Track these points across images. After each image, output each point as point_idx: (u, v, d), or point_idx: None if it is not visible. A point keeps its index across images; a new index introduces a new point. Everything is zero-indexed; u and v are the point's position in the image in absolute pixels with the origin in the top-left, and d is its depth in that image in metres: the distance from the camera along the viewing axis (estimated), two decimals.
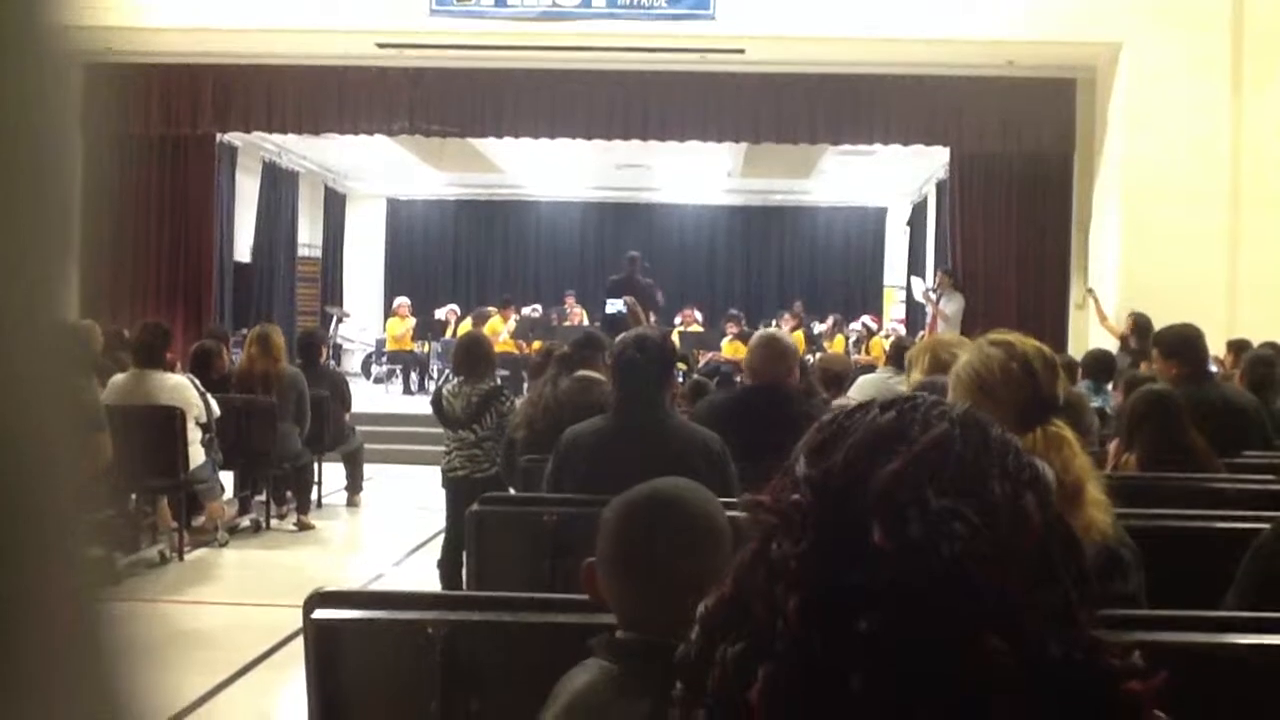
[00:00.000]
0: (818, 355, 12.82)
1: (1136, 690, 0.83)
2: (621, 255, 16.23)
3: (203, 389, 7.66)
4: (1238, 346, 8.18)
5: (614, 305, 14.23)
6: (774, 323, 18.14)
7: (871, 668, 0.78)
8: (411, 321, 17.35)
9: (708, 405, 5.47)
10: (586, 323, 16.18)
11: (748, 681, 0.82)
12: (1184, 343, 6.04)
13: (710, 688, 0.86)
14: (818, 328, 17.12)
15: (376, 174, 20.50)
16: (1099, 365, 7.90)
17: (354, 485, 9.92)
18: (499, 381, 7.03)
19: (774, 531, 0.85)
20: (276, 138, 15.90)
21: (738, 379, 14.03)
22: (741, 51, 12.12)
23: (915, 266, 18.41)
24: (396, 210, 22.59)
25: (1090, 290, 11.99)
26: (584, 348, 5.66)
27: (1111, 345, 10.16)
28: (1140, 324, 9.54)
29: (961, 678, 0.78)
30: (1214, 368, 7.05)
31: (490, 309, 16.79)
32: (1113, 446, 4.72)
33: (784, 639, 0.81)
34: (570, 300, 17.84)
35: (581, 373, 5.43)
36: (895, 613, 0.79)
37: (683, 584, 1.69)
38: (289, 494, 9.06)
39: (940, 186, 16.03)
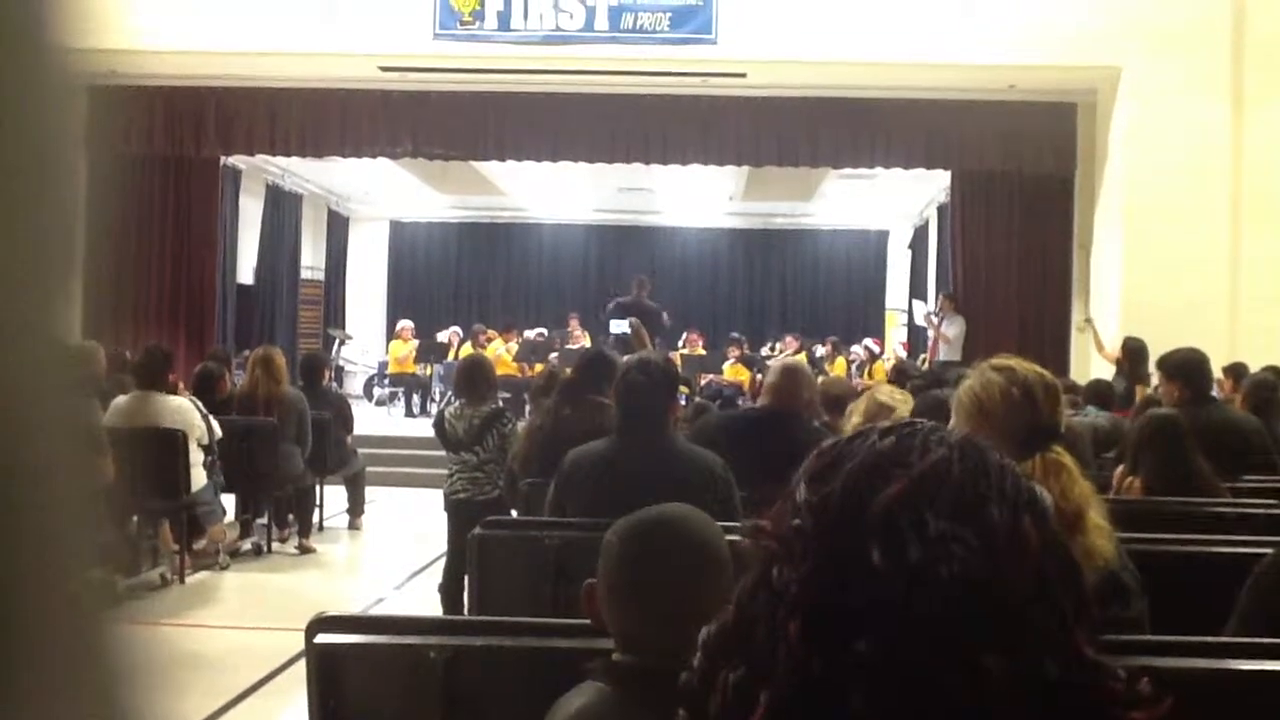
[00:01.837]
0: (820, 379, 12.79)
1: (1138, 719, 0.83)
2: (624, 278, 16.23)
3: (205, 410, 7.66)
4: (1235, 371, 8.17)
5: (618, 326, 14.24)
6: (775, 345, 18.23)
7: (871, 689, 0.79)
8: (414, 344, 17.36)
9: (715, 422, 5.47)
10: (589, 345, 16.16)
11: (750, 707, 0.82)
12: (1188, 366, 6.05)
13: (712, 713, 0.86)
14: (820, 351, 17.12)
15: (379, 196, 20.54)
16: (1100, 395, 7.87)
17: (355, 508, 9.90)
18: (501, 404, 7.03)
19: (775, 556, 0.86)
20: (280, 160, 15.95)
21: (740, 401, 14.05)
22: (743, 75, 12.15)
23: (917, 289, 18.43)
24: (399, 233, 22.62)
25: (1089, 320, 12.00)
26: (590, 369, 5.54)
27: (1111, 373, 10.15)
28: (1132, 349, 9.49)
29: (960, 698, 0.79)
30: (1215, 392, 7.03)
31: (489, 331, 16.81)
32: (1118, 471, 4.71)
33: (785, 663, 0.81)
34: (574, 323, 17.84)
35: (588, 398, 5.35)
36: (894, 634, 0.79)
37: (682, 608, 1.70)
38: (290, 517, 9.04)
39: (941, 209, 16.06)
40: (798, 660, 0.81)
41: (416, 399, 17.03)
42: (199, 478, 7.47)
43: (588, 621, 1.87)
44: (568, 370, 6.35)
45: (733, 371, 16.37)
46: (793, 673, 0.81)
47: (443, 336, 17.96)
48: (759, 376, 16.00)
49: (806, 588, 0.83)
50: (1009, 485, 0.86)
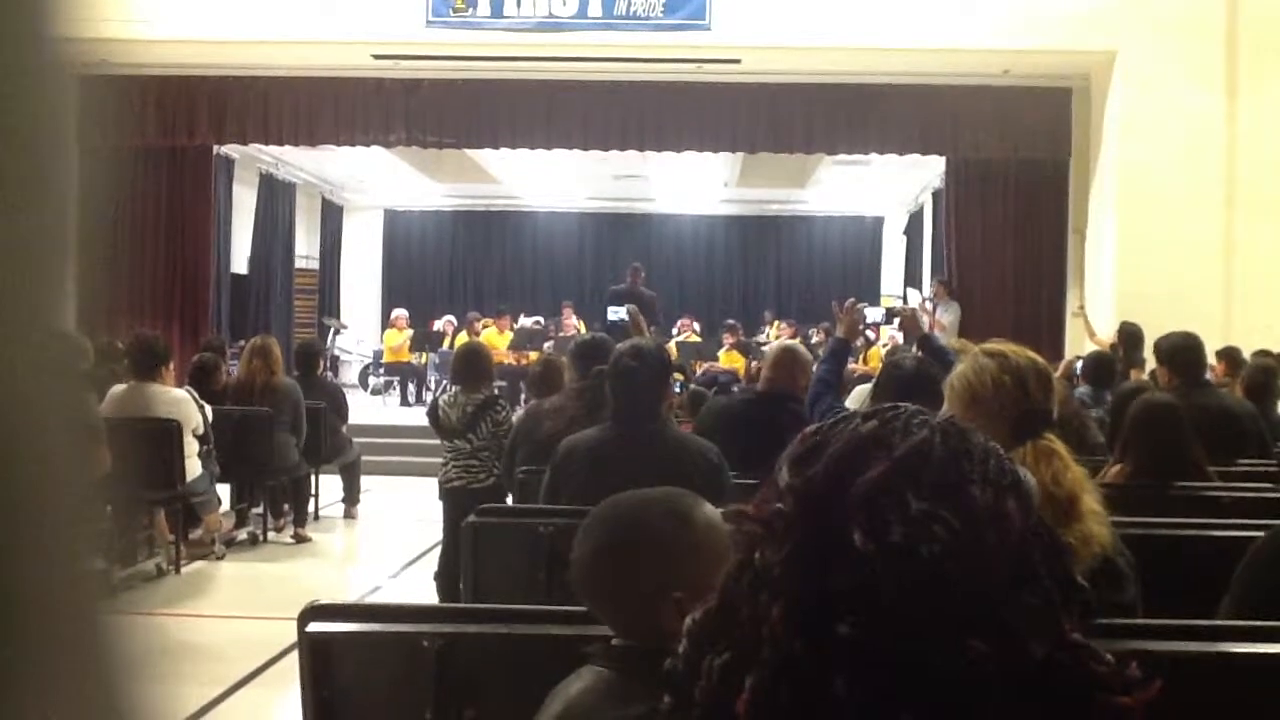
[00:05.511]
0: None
1: (1127, 704, 0.83)
2: (619, 266, 16.23)
3: (201, 401, 7.66)
4: (1230, 355, 8.18)
5: (616, 313, 14.24)
6: (767, 330, 18.23)
7: (855, 672, 0.79)
8: (409, 333, 17.34)
9: (716, 410, 5.47)
10: (584, 333, 16.13)
11: (734, 691, 0.83)
12: (1181, 350, 6.05)
13: (698, 699, 0.86)
14: (814, 337, 17.14)
15: (373, 185, 20.51)
16: (1099, 369, 7.65)
17: (351, 497, 9.90)
18: (496, 392, 7.03)
19: (758, 540, 0.86)
20: (273, 149, 15.90)
21: (735, 388, 14.04)
22: (737, 62, 12.13)
23: (912, 276, 18.44)
24: (394, 221, 22.59)
25: (1081, 308, 12.01)
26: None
27: None
28: (1127, 333, 9.48)
29: (944, 680, 0.79)
30: (1208, 376, 7.03)
31: (484, 318, 16.79)
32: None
33: (769, 646, 0.82)
34: (567, 311, 17.84)
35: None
36: (876, 616, 0.79)
37: (612, 597, 1.72)
38: (286, 506, 9.04)
39: (936, 195, 16.06)
40: (781, 643, 0.81)
41: (411, 388, 17.02)
42: (194, 468, 7.47)
43: (582, 608, 1.87)
44: (563, 358, 6.32)
45: (727, 358, 16.35)
46: (776, 656, 0.81)
47: (438, 325, 17.94)
48: (754, 363, 16.01)
49: (789, 570, 0.83)
50: (992, 467, 0.86)
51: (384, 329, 18.58)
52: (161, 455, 7.13)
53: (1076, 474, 2.44)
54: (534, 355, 13.58)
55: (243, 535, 8.65)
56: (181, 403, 7.41)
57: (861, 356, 16.20)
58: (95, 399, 6.64)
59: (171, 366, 7.76)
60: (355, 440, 10.12)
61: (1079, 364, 8.62)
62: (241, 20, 11.68)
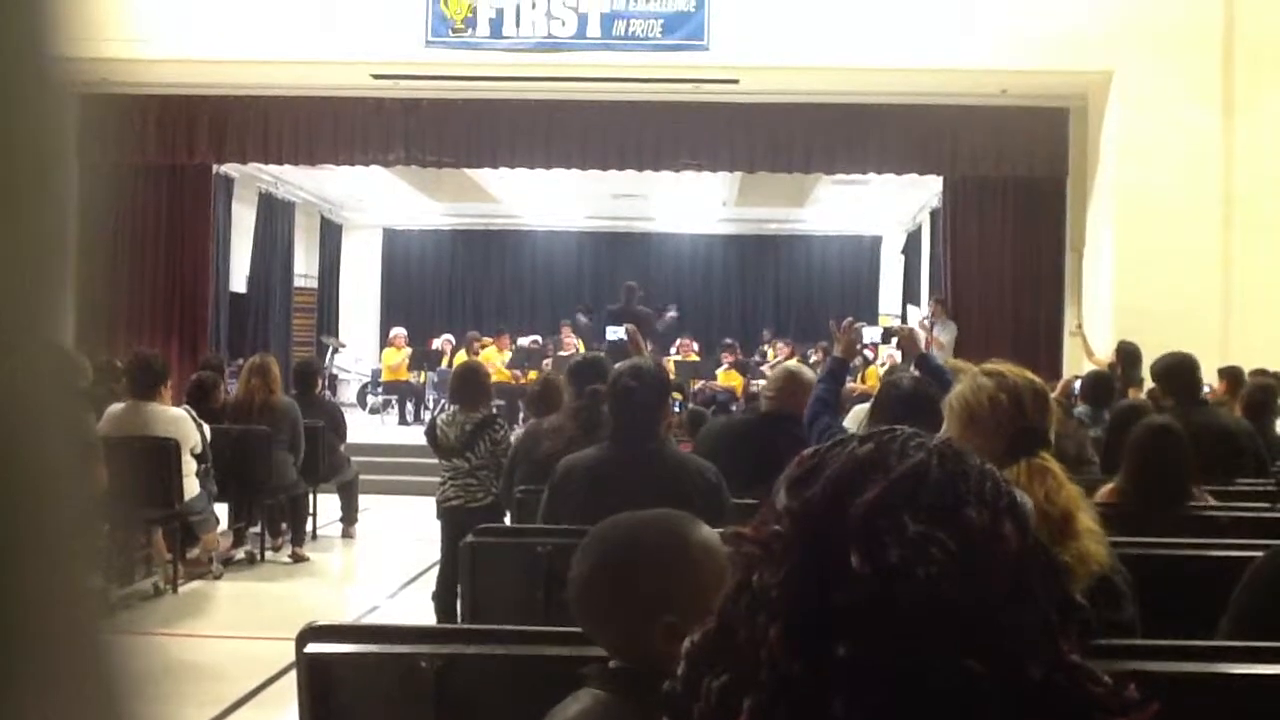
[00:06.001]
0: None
1: None
2: (618, 285, 16.24)
3: (199, 419, 7.65)
4: (1230, 374, 8.19)
5: (615, 333, 14.26)
6: (765, 349, 18.25)
7: (853, 693, 0.79)
8: (407, 351, 17.33)
9: (716, 430, 5.47)
10: (582, 353, 16.13)
11: (733, 713, 0.83)
12: (1176, 370, 6.06)
13: None
14: (813, 357, 17.15)
15: (372, 204, 20.53)
16: (1097, 388, 7.64)
17: (349, 516, 9.87)
18: (494, 411, 7.03)
19: (756, 562, 0.87)
20: (273, 168, 15.93)
21: (733, 407, 14.05)
22: (736, 82, 12.17)
23: (910, 295, 18.45)
24: (392, 240, 22.60)
25: (1078, 327, 12.03)
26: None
27: None
28: (1125, 352, 9.49)
29: (942, 701, 0.79)
30: (1205, 394, 7.05)
31: (483, 337, 16.78)
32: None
33: (766, 668, 0.82)
34: (566, 330, 17.83)
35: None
36: (874, 637, 0.80)
37: (606, 615, 1.72)
38: (284, 526, 9.02)
39: (934, 215, 16.08)
40: (779, 664, 0.81)
41: (410, 407, 16.99)
42: (192, 487, 7.45)
43: (579, 629, 1.87)
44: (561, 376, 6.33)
45: (725, 377, 16.37)
46: (774, 677, 0.81)
47: (436, 344, 17.93)
48: (752, 382, 16.03)
49: (787, 592, 0.83)
50: (988, 489, 0.87)
51: (382, 348, 18.56)
52: (159, 474, 7.12)
53: (1071, 492, 2.44)
54: (533, 374, 13.58)
55: (240, 554, 8.63)
56: (179, 421, 7.41)
57: (859, 375, 16.19)
58: (93, 417, 6.63)
59: (170, 385, 7.75)
60: (353, 459, 10.11)
61: (1077, 383, 8.63)
62: (241, 40, 11.72)
